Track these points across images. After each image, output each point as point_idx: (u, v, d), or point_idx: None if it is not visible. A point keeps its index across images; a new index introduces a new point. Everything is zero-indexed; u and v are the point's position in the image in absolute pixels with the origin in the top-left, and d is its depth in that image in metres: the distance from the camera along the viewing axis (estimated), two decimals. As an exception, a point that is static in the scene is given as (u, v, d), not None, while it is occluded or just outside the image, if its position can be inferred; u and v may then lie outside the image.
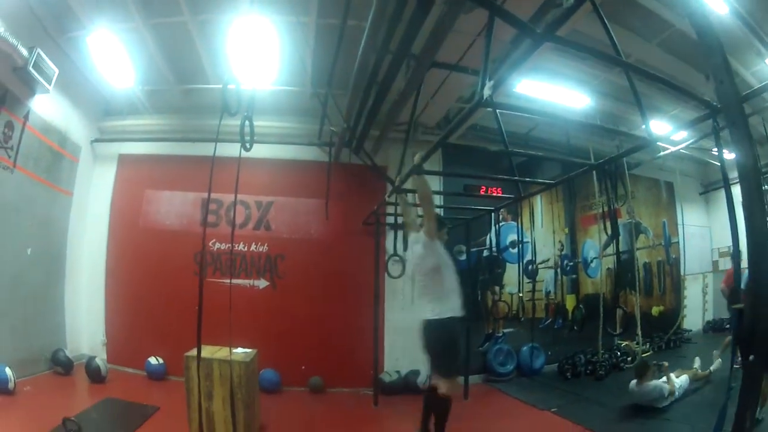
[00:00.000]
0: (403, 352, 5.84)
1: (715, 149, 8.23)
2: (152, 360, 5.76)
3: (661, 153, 7.63)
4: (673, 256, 8.53)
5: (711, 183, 9.59)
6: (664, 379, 4.76)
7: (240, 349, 4.16)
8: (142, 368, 5.75)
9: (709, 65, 2.22)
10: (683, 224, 8.46)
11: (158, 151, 6.35)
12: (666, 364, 4.99)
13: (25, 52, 4.39)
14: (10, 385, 4.22)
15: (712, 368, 5.33)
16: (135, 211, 6.29)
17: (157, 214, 6.27)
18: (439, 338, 3.20)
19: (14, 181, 4.79)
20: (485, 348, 6.37)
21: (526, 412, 5.18)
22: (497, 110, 3.58)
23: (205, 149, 6.03)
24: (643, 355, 6.83)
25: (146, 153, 6.37)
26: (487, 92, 2.54)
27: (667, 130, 6.38)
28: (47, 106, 5.17)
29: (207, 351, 3.80)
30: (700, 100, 3.09)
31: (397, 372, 5.83)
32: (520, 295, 5.89)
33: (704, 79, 5.30)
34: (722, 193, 8.88)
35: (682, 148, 7.61)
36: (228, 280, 5.75)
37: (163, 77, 5.71)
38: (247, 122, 2.61)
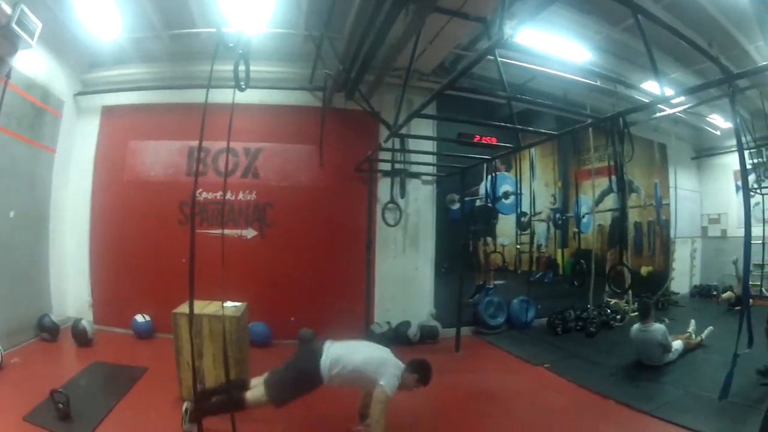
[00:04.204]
0: (393, 302, 5.81)
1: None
2: (139, 318, 5.66)
3: (657, 114, 7.60)
4: (663, 218, 8.56)
5: (704, 149, 9.60)
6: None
7: (229, 303, 4.03)
8: (129, 327, 5.66)
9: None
10: (675, 187, 8.48)
11: (143, 101, 6.09)
12: (667, 320, 5.01)
13: (8, 9, 4.19)
14: None
15: (703, 336, 5.36)
16: (119, 164, 6.08)
17: (141, 166, 6.06)
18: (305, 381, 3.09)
19: (-4, 143, 4.59)
20: (476, 300, 6.36)
21: (520, 367, 5.19)
22: (499, 57, 3.46)
23: (190, 96, 5.83)
24: (632, 314, 6.90)
25: (130, 103, 6.12)
26: (508, 32, 2.39)
27: (669, 93, 6.33)
28: (30, 62, 4.95)
29: (196, 306, 3.59)
30: (719, 64, 2.97)
31: (388, 323, 5.78)
32: (518, 246, 5.83)
33: (707, 45, 5.27)
34: (714, 160, 8.95)
35: (678, 112, 7.59)
36: (216, 231, 5.62)
37: (149, 23, 5.44)
38: (241, 62, 2.41)
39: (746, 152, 6.50)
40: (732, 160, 8.94)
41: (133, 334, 5.64)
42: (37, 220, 5.46)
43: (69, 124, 5.91)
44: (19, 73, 4.78)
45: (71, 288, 5.96)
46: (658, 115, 7.61)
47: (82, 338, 5.11)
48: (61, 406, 3.25)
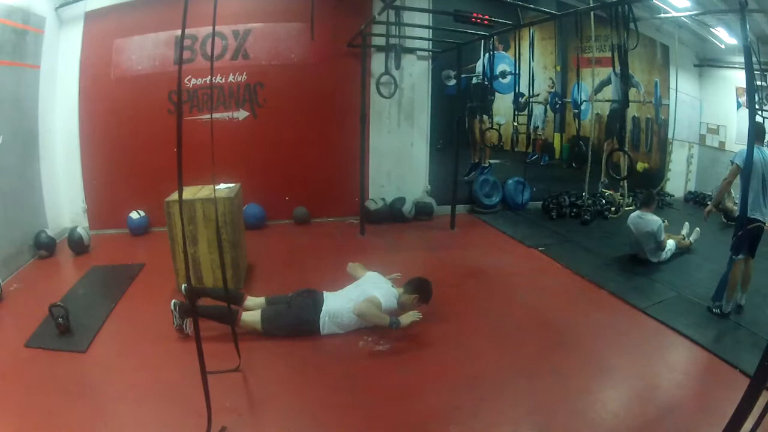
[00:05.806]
0: (388, 179, 5.79)
1: (717, 29, 7.99)
2: (134, 215, 5.64)
3: (662, 15, 7.36)
4: (662, 118, 8.46)
5: (707, 59, 9.33)
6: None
7: (223, 185, 3.95)
8: (125, 226, 5.66)
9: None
10: (676, 89, 8.32)
11: (126, -1, 5.83)
12: (666, 222, 4.85)
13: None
14: None
15: (692, 238, 5.31)
16: (105, 64, 5.84)
17: (128, 62, 5.84)
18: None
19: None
20: (471, 178, 6.35)
21: (515, 248, 5.22)
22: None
23: (175, -15, 5.57)
24: (627, 208, 6.92)
25: (114, 3, 5.84)
26: None
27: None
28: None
29: (188, 192, 3.63)
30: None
31: (383, 199, 5.81)
32: (516, 124, 5.70)
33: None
34: (716, 72, 8.72)
35: (683, 16, 7.35)
36: (206, 116, 5.53)
37: None
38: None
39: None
40: (734, 76, 8.70)
41: (129, 233, 5.65)
42: (26, 140, 5.19)
43: (52, 38, 5.59)
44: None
45: (65, 198, 5.85)
46: (663, 15, 7.38)
47: (78, 246, 5.02)
48: (60, 320, 3.12)
